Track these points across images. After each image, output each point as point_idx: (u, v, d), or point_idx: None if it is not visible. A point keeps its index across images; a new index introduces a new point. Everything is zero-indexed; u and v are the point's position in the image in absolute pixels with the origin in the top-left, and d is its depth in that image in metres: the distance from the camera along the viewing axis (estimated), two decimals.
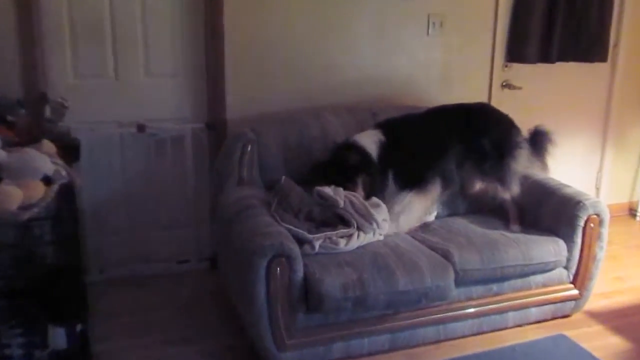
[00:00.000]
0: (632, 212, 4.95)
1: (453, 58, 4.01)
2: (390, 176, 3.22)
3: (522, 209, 3.41)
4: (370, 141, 3.21)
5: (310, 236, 2.83)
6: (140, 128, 3.52)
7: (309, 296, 2.67)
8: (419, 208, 3.25)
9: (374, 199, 3.11)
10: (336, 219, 2.97)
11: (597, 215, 3.18)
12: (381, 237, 3.05)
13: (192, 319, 3.25)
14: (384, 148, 3.20)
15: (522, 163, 3.40)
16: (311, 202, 3.01)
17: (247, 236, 2.70)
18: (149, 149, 3.60)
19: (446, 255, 2.96)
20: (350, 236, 2.93)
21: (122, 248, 3.67)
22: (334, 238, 2.90)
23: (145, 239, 3.70)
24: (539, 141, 3.47)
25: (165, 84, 3.60)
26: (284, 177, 3.12)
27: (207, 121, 3.68)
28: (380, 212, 3.06)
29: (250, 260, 2.59)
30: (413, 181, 3.23)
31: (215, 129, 3.65)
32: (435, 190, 3.27)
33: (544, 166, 3.50)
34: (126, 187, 3.64)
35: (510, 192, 3.37)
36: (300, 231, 2.82)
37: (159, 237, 3.73)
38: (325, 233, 2.88)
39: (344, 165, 3.13)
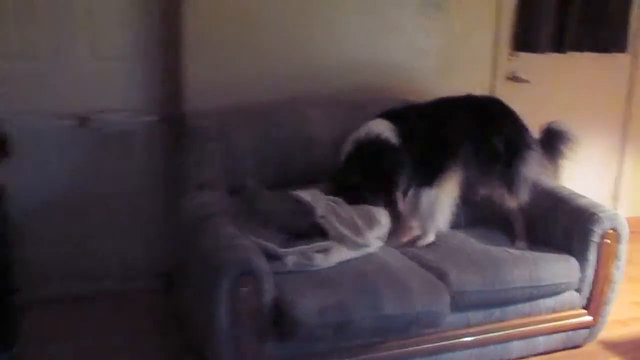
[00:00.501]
0: None
1: (453, 44, 4.04)
2: (406, 176, 3.26)
3: (530, 221, 3.43)
4: (390, 133, 3.24)
5: (281, 251, 2.82)
6: (83, 121, 3.49)
7: (280, 321, 2.65)
8: (446, 200, 3.31)
9: (372, 211, 3.11)
10: (314, 230, 2.96)
11: (614, 229, 3.21)
12: (366, 252, 3.04)
13: (141, 347, 3.23)
14: (401, 139, 3.24)
15: (534, 168, 3.43)
16: (284, 209, 3.01)
17: (208, 250, 2.69)
18: (92, 146, 3.57)
19: (441, 275, 2.97)
20: (328, 250, 2.92)
21: (59, 262, 3.64)
22: (309, 253, 2.90)
23: (87, 252, 3.68)
24: (553, 141, 3.50)
25: (113, 69, 3.57)
26: (250, 181, 3.12)
27: (162, 114, 3.66)
28: (375, 228, 3.07)
29: (212, 278, 2.57)
30: (430, 175, 3.28)
31: (172, 123, 3.63)
32: (455, 177, 3.32)
33: (556, 171, 3.54)
34: (65, 190, 3.61)
35: (518, 200, 3.41)
36: (270, 245, 2.81)
37: (104, 250, 3.70)
38: (299, 247, 2.87)
39: (380, 164, 3.19)
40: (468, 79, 4.08)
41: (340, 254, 2.95)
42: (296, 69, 3.71)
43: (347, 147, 3.27)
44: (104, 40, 3.52)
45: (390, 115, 3.35)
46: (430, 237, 3.28)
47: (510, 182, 3.39)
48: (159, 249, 3.73)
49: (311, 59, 3.74)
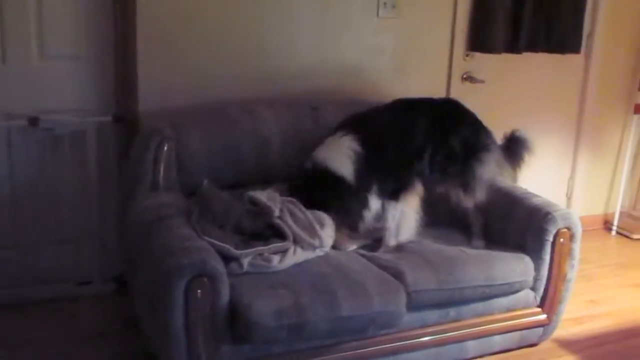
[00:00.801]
0: (607, 226, 5.11)
1: (407, 44, 4.05)
2: (374, 191, 3.27)
3: (486, 220, 3.47)
4: (344, 160, 3.22)
5: (237, 252, 2.80)
6: (32, 121, 3.43)
7: (235, 324, 2.63)
8: (411, 214, 3.33)
9: (319, 214, 3.11)
10: (269, 231, 2.95)
11: (568, 228, 3.25)
12: (322, 253, 3.05)
13: (94, 353, 3.19)
14: (360, 162, 3.23)
15: (490, 168, 3.47)
16: (240, 210, 2.99)
17: (161, 253, 2.65)
18: (42, 147, 3.52)
19: (397, 275, 2.98)
20: (285, 252, 2.91)
21: (8, 266, 3.56)
22: (266, 254, 2.88)
23: (38, 255, 3.61)
24: (515, 148, 3.59)
25: (64, 68, 3.52)
26: (205, 182, 3.09)
27: (115, 114, 3.61)
28: (327, 230, 3.07)
29: (165, 281, 2.54)
30: (397, 189, 3.31)
31: (126, 123, 3.58)
32: (419, 189, 3.36)
33: (515, 176, 3.60)
34: (14, 192, 3.55)
35: (474, 199, 3.44)
36: (226, 246, 2.79)
37: (55, 254, 3.64)
38: (255, 248, 2.85)
39: (317, 197, 3.16)
40: (424, 79, 4.11)
41: (297, 256, 2.94)
42: (250, 69, 3.70)
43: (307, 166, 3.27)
44: (54, 40, 3.46)
45: (352, 127, 3.33)
46: (392, 245, 3.29)
47: (466, 182, 3.43)
48: (113, 252, 3.68)
49: (265, 60, 3.73)
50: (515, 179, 3.66)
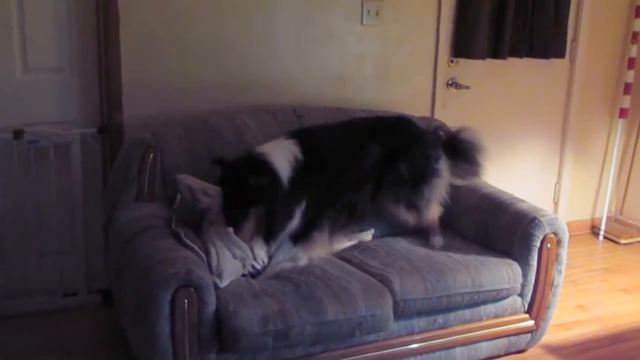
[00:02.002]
0: (594, 231, 5.14)
1: (391, 52, 4.08)
2: (303, 208, 3.11)
3: (472, 226, 3.51)
4: (284, 159, 3.04)
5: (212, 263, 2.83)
6: (17, 134, 3.43)
7: (222, 332, 2.64)
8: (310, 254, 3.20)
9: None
10: None
11: (555, 234, 3.27)
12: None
13: None
14: (298, 170, 3.05)
15: (440, 192, 3.49)
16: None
17: (146, 263, 2.66)
18: (27, 159, 3.51)
19: (384, 281, 3.00)
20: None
21: None
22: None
23: (23, 267, 3.61)
24: (464, 153, 3.58)
25: (48, 81, 3.53)
26: (179, 196, 3.13)
27: (99, 125, 3.62)
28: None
29: (151, 292, 2.55)
30: (304, 229, 3.15)
31: (110, 134, 3.59)
32: (322, 237, 3.22)
33: (472, 178, 3.63)
34: None
35: (427, 218, 3.48)
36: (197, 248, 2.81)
37: (40, 266, 3.64)
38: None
39: (242, 189, 2.91)
40: (409, 85, 4.14)
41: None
42: (234, 79, 3.72)
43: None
44: (37, 52, 3.47)
45: (301, 135, 3.19)
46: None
47: (415, 204, 3.44)
48: (98, 263, 3.68)
49: (249, 69, 3.75)
50: (473, 179, 3.66)
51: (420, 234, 3.50)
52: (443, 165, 3.50)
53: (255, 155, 3.03)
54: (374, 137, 3.38)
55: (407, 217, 3.47)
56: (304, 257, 3.14)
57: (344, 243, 3.40)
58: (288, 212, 3.06)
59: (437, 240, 3.43)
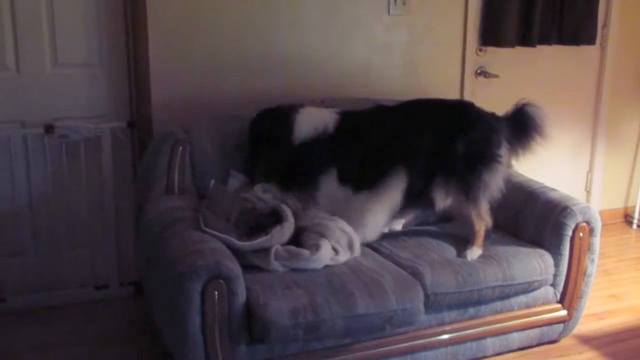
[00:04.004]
0: (627, 219, 5.08)
1: (418, 41, 4.06)
2: (334, 173, 3.17)
3: (503, 216, 3.43)
4: (310, 123, 3.15)
5: (239, 243, 2.81)
6: (48, 129, 3.47)
7: (252, 324, 2.65)
8: (378, 214, 3.22)
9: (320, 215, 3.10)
10: (270, 219, 2.96)
11: (587, 223, 3.24)
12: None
13: (113, 356, 3.21)
14: (329, 135, 3.16)
15: (498, 180, 3.29)
16: (243, 203, 3.04)
17: (176, 255, 2.67)
18: (58, 154, 3.55)
19: (415, 274, 2.98)
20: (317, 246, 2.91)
21: (26, 272, 3.61)
22: (292, 249, 2.88)
23: (56, 261, 3.64)
24: (522, 126, 3.35)
25: (78, 76, 3.56)
26: (213, 181, 3.13)
27: (129, 119, 3.64)
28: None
29: (181, 284, 2.56)
30: (368, 181, 3.18)
31: (139, 128, 3.61)
32: (397, 191, 3.20)
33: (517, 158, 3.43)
34: (31, 198, 3.59)
35: (476, 208, 3.28)
36: (227, 237, 2.80)
37: (73, 259, 3.67)
38: (259, 240, 2.85)
39: (255, 133, 3.13)
40: (436, 75, 4.12)
41: (329, 251, 2.93)
42: (261, 68, 3.73)
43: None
44: (66, 48, 3.50)
45: (345, 112, 3.29)
46: (344, 258, 3.02)
47: (469, 188, 3.24)
48: (130, 256, 3.71)
49: (275, 59, 3.75)
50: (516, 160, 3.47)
51: (450, 223, 3.47)
52: (504, 152, 3.31)
53: (286, 106, 3.15)
54: (433, 117, 3.32)
55: (457, 201, 3.29)
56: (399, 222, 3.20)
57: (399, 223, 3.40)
58: (297, 171, 3.15)
59: (475, 251, 3.21)
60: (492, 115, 3.38)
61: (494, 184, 3.27)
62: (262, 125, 3.20)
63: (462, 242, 3.29)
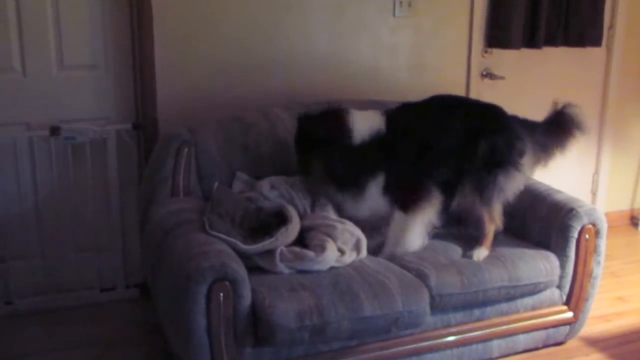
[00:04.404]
0: (634, 222, 5.06)
1: (424, 43, 4.06)
2: (381, 180, 3.13)
3: (508, 217, 3.40)
4: (365, 122, 3.12)
5: (244, 247, 2.81)
6: (54, 131, 3.48)
7: (258, 326, 2.65)
8: (419, 229, 3.19)
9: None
10: (275, 220, 2.96)
11: (593, 224, 3.23)
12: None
13: (118, 358, 3.21)
14: (376, 140, 3.11)
15: (513, 185, 3.28)
16: (248, 205, 3.05)
17: (181, 257, 2.67)
18: (64, 156, 3.56)
19: (420, 276, 2.97)
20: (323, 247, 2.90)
21: (32, 275, 3.61)
22: (297, 250, 2.88)
23: (62, 263, 3.65)
24: (561, 124, 3.38)
25: (83, 78, 3.57)
26: (217, 184, 3.14)
27: (134, 121, 3.65)
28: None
29: (186, 286, 2.56)
30: (409, 197, 3.15)
31: (145, 129, 3.62)
32: (436, 200, 3.19)
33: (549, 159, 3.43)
34: (37, 201, 3.60)
35: (489, 210, 3.27)
36: (233, 240, 2.80)
37: (79, 261, 3.68)
38: (262, 243, 2.84)
39: (313, 135, 3.08)
40: (442, 76, 4.11)
41: (334, 253, 2.93)
42: (267, 70, 3.72)
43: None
44: (72, 50, 3.51)
45: (388, 113, 3.25)
46: (349, 259, 3.01)
47: (484, 189, 3.24)
48: (135, 258, 3.72)
49: (281, 61, 3.75)
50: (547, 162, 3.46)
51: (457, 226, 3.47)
52: (526, 162, 3.30)
53: (336, 108, 3.12)
54: (466, 117, 3.30)
55: (471, 201, 3.29)
56: (417, 227, 3.17)
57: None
58: (356, 173, 3.11)
59: (482, 252, 3.21)
60: (525, 121, 3.39)
61: (509, 189, 3.27)
62: (319, 127, 3.11)
63: (467, 243, 3.28)
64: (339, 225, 3.04)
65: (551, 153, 3.40)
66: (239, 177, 3.29)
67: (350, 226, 3.08)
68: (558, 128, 3.38)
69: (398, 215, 3.16)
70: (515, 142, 3.28)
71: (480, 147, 3.22)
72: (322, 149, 3.09)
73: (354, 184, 3.13)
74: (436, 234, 3.37)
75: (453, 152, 3.24)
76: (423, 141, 3.21)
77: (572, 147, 3.45)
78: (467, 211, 3.36)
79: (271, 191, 3.17)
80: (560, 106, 3.40)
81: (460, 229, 3.45)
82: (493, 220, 3.28)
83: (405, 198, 3.15)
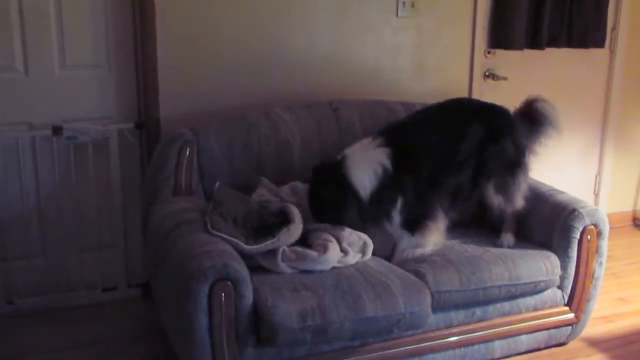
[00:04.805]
0: (636, 223, 5.06)
1: (427, 43, 4.05)
2: (399, 206, 3.11)
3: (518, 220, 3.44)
4: (367, 172, 3.06)
5: (247, 247, 2.81)
6: (56, 130, 3.48)
7: (260, 327, 2.65)
8: (427, 247, 3.19)
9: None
10: (277, 219, 2.97)
11: (595, 225, 3.23)
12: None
13: (120, 358, 3.21)
14: (385, 179, 3.07)
15: (527, 181, 3.38)
16: (249, 205, 3.05)
17: (183, 257, 2.67)
18: (66, 156, 3.55)
19: (419, 276, 2.98)
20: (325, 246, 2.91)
21: (34, 274, 3.62)
22: (299, 250, 2.89)
23: (63, 263, 3.65)
24: (534, 121, 3.43)
25: (85, 77, 3.57)
26: (218, 183, 3.14)
27: (137, 121, 3.65)
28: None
29: (188, 286, 2.56)
30: (416, 218, 3.16)
31: (147, 129, 3.62)
32: (442, 220, 3.22)
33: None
34: (39, 200, 3.59)
35: (514, 207, 3.34)
36: (235, 240, 2.80)
37: (80, 261, 3.68)
38: (265, 243, 2.84)
39: (323, 204, 3.08)
40: (445, 77, 4.11)
41: (336, 252, 2.94)
42: (269, 71, 3.72)
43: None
44: (74, 49, 3.51)
45: (389, 136, 3.17)
46: (353, 260, 3.03)
47: (509, 189, 3.31)
48: (137, 258, 3.72)
49: (284, 61, 3.74)
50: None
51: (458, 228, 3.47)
52: (529, 159, 3.41)
53: (338, 171, 3.06)
54: (475, 119, 3.31)
55: (495, 201, 3.33)
56: (426, 243, 3.17)
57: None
58: (375, 219, 3.11)
59: (509, 238, 3.35)
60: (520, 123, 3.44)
61: (525, 185, 3.36)
62: (325, 195, 3.08)
63: (473, 243, 3.32)
64: (348, 228, 3.05)
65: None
66: (263, 183, 3.28)
67: (358, 233, 3.09)
68: (530, 123, 3.44)
69: (405, 237, 3.18)
70: (522, 141, 3.36)
71: (500, 151, 3.27)
72: (336, 210, 3.07)
73: (374, 231, 3.13)
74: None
75: (468, 161, 3.26)
76: (434, 163, 3.19)
77: (546, 145, 3.50)
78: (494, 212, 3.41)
79: (292, 196, 3.18)
80: (530, 99, 3.46)
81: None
82: (517, 206, 3.35)
83: (413, 224, 3.17)
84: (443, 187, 3.21)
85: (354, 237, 3.04)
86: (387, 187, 3.07)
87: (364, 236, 3.07)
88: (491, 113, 3.39)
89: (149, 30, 3.48)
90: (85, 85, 3.56)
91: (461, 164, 3.24)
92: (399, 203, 3.11)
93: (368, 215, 3.09)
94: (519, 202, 3.35)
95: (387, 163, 3.08)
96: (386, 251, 3.17)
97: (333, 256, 2.90)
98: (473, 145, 3.25)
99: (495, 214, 3.40)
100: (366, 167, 3.08)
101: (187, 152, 3.26)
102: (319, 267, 2.87)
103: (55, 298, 3.62)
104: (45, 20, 3.43)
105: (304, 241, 2.99)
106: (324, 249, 2.90)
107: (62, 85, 3.52)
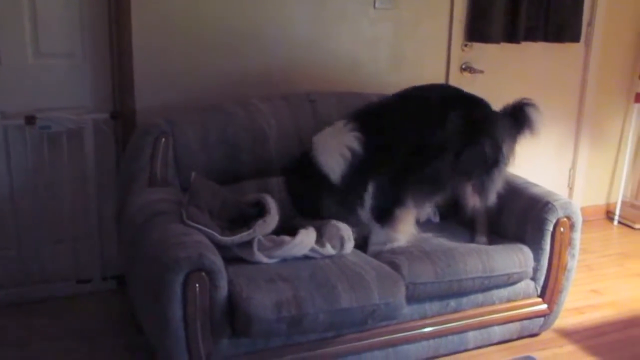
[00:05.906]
0: (609, 216, 5.12)
1: (404, 36, 4.07)
2: (372, 191, 3.14)
3: (490, 217, 3.48)
4: (335, 157, 3.11)
5: (223, 238, 2.82)
6: (29, 120, 3.45)
7: (235, 318, 2.66)
8: (400, 239, 3.23)
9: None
10: (254, 210, 2.99)
11: (568, 218, 3.27)
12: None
13: (94, 350, 3.21)
14: (356, 163, 3.10)
15: (503, 178, 3.41)
16: (225, 196, 3.06)
17: (157, 248, 2.67)
18: (40, 145, 3.53)
19: (394, 268, 3.00)
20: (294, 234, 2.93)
21: (7, 266, 3.59)
22: (275, 237, 2.91)
23: (37, 254, 3.63)
24: (519, 121, 3.46)
25: (60, 66, 3.54)
26: (193, 174, 3.14)
27: (112, 111, 3.63)
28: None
29: (162, 276, 2.55)
30: (387, 207, 3.18)
31: (122, 119, 3.60)
32: (414, 217, 3.28)
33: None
34: (12, 191, 3.57)
35: (487, 204, 3.38)
36: (210, 231, 2.80)
37: (54, 253, 3.66)
38: (240, 234, 2.86)
39: (300, 192, 3.14)
40: (422, 69, 4.13)
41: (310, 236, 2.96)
42: (245, 63, 3.71)
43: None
44: (48, 38, 3.48)
45: (362, 119, 3.21)
46: (331, 251, 3.04)
47: (483, 185, 3.34)
48: (112, 250, 3.70)
49: (261, 53, 3.74)
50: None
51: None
52: (507, 158, 3.41)
53: (307, 158, 3.13)
54: (454, 108, 3.32)
55: (471, 197, 3.37)
56: (398, 236, 3.19)
57: (428, 214, 3.47)
58: (348, 210, 3.14)
59: (483, 240, 3.39)
60: (502, 117, 3.47)
61: (501, 183, 3.39)
62: (299, 183, 3.16)
63: (450, 237, 3.36)
64: (331, 222, 3.08)
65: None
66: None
67: (341, 224, 3.10)
68: (514, 123, 3.46)
69: (375, 230, 3.21)
70: (503, 136, 3.38)
71: (478, 146, 3.30)
72: (312, 198, 3.13)
73: (348, 217, 3.15)
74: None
75: (445, 149, 3.27)
76: (408, 148, 3.22)
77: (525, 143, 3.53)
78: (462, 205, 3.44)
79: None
80: (522, 102, 3.49)
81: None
82: (489, 202, 3.38)
83: (383, 214, 3.19)
84: (417, 173, 3.22)
85: (334, 230, 3.05)
86: (357, 170, 3.10)
87: (346, 230, 3.08)
88: (471, 104, 3.41)
89: (125, 20, 3.46)
90: (60, 74, 3.53)
91: (436, 152, 3.25)
92: (371, 187, 3.13)
93: (342, 199, 3.11)
94: (492, 199, 3.39)
95: (357, 146, 3.12)
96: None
97: (307, 239, 2.92)
98: (451, 134, 3.26)
99: (468, 213, 3.43)
100: (333, 151, 3.12)
101: (162, 143, 3.25)
102: (294, 252, 2.90)
103: (29, 290, 3.60)
104: (18, 7, 3.39)
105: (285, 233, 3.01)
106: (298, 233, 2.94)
107: (35, 73, 3.49)
